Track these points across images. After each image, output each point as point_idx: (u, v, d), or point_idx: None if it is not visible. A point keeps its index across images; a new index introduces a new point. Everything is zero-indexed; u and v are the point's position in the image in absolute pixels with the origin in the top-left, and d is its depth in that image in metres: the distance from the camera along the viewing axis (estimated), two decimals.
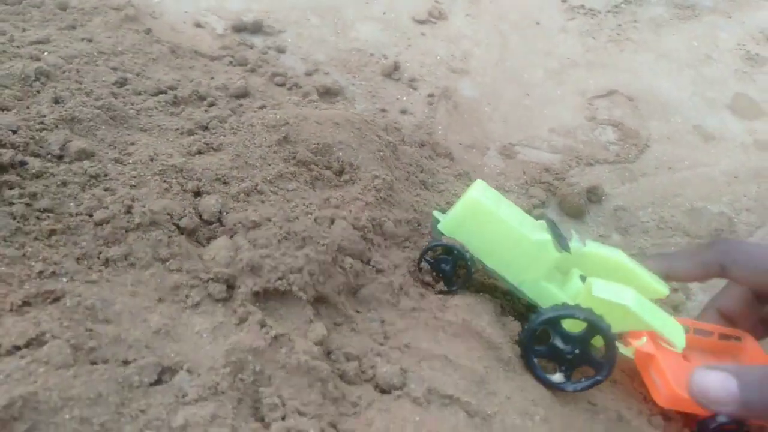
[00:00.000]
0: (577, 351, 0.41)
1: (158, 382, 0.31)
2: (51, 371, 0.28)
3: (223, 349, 0.33)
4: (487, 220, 0.44)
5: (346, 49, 0.83)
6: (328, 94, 0.75)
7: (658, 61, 0.87)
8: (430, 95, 0.78)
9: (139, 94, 0.56)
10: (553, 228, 0.45)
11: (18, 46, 0.57)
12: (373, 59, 0.82)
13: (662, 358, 0.41)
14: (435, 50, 0.85)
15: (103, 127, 0.46)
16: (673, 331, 0.42)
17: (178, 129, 0.50)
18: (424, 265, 0.47)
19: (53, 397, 0.27)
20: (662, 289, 0.44)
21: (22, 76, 0.49)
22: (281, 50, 0.81)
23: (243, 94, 0.62)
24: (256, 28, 0.83)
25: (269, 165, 0.49)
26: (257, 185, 0.46)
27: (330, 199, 0.48)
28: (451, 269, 0.46)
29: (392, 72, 0.80)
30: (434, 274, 0.47)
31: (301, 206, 0.46)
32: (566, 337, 0.41)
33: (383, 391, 0.36)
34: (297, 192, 0.48)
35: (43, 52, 0.56)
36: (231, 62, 0.76)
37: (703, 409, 0.40)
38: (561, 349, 0.41)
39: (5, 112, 0.42)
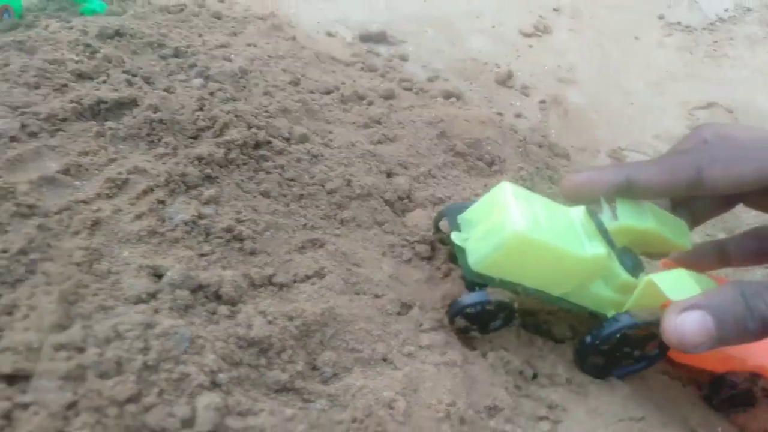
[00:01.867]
0: (636, 353, 0.39)
1: (400, 313, 0.39)
2: (335, 295, 0.36)
3: (438, 294, 0.41)
4: (535, 253, 0.37)
5: (461, 58, 0.91)
6: (449, 98, 0.83)
7: (754, 75, 0.93)
8: (542, 101, 0.85)
9: (312, 92, 0.65)
10: (599, 224, 0.39)
11: (210, 49, 0.67)
12: (486, 68, 0.90)
13: None
14: (542, 61, 0.92)
15: (305, 117, 0.55)
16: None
17: (354, 123, 0.59)
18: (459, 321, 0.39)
19: (343, 312, 0.35)
20: (685, 243, 0.41)
21: (232, 73, 0.58)
22: (404, 58, 0.90)
23: (390, 96, 0.71)
24: (381, 38, 0.92)
25: (434, 155, 0.57)
26: (430, 170, 0.54)
27: (487, 185, 0.56)
28: (493, 319, 0.39)
29: (506, 80, 0.88)
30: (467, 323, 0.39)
31: (468, 189, 0.54)
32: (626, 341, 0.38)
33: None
34: (459, 178, 0.56)
35: (231, 54, 0.66)
36: (362, 68, 0.85)
37: (720, 367, 0.40)
38: (620, 352, 0.39)
39: (236, 102, 0.52)
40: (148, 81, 0.54)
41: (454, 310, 0.38)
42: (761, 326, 0.32)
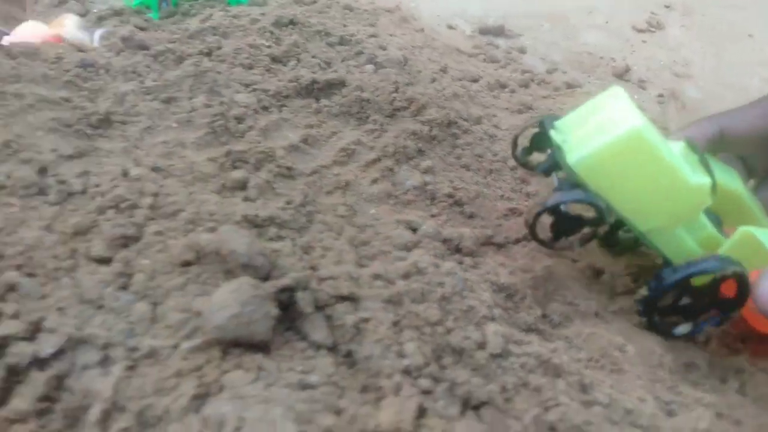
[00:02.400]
0: (707, 300, 0.36)
1: (596, 277, 0.43)
2: (544, 257, 0.41)
3: (623, 264, 0.45)
4: (645, 160, 0.34)
5: (577, 51, 0.94)
6: (570, 88, 0.87)
7: None
8: (660, 95, 0.88)
9: (460, 80, 0.70)
10: (702, 158, 0.37)
11: (361, 40, 0.72)
12: (602, 62, 0.93)
13: None
14: (657, 56, 0.95)
15: (469, 102, 0.60)
16: None
17: (508, 108, 0.64)
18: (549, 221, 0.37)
19: (556, 271, 0.40)
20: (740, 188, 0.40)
21: (397, 60, 0.64)
22: (522, 51, 0.93)
23: (526, 85, 0.75)
24: (499, 32, 0.96)
25: None
26: None
27: None
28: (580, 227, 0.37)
29: (623, 73, 0.90)
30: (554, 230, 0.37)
31: None
32: (695, 291, 0.36)
33: None
34: None
35: (386, 44, 0.71)
36: (485, 59, 0.90)
37: None
38: (689, 304, 0.37)
39: (414, 86, 0.57)
40: (329, 65, 0.60)
41: (544, 208, 0.35)
42: None
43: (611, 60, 0.93)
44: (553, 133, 0.36)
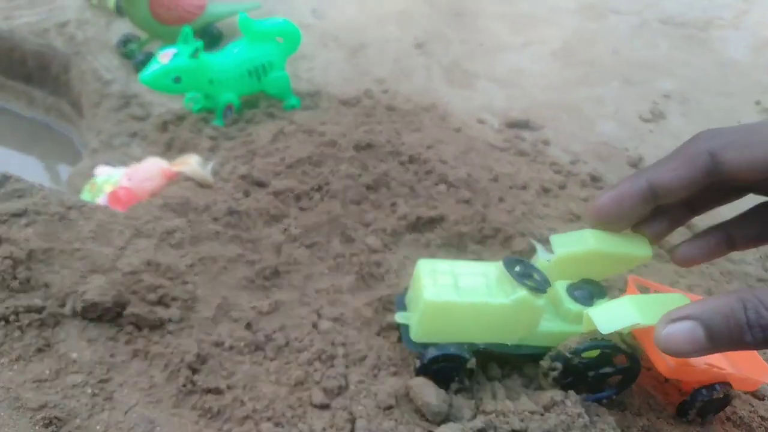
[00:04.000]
0: (604, 371, 0.42)
1: None
2: None
3: None
4: (456, 312, 0.41)
5: (595, 142, 1.07)
6: (593, 181, 0.99)
7: None
8: None
9: (511, 188, 0.81)
10: (517, 270, 0.42)
11: (426, 157, 0.83)
12: (617, 152, 1.06)
13: None
14: (664, 144, 1.08)
15: (534, 219, 0.71)
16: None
17: (560, 217, 0.75)
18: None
19: None
20: (644, 253, 0.41)
21: (463, 178, 0.75)
22: (546, 143, 1.06)
23: (563, 185, 0.87)
24: (524, 125, 1.09)
25: None
26: None
27: None
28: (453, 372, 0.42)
29: (637, 162, 1.03)
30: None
31: None
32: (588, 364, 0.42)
33: None
34: None
35: (444, 157, 0.82)
36: (515, 153, 1.02)
37: (704, 378, 0.44)
38: (586, 375, 0.42)
39: (487, 208, 0.68)
40: (412, 189, 0.71)
41: (418, 369, 0.42)
42: (762, 337, 0.31)
43: (625, 150, 1.06)
44: (397, 316, 0.44)
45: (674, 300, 0.38)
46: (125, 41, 1.13)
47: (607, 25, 1.36)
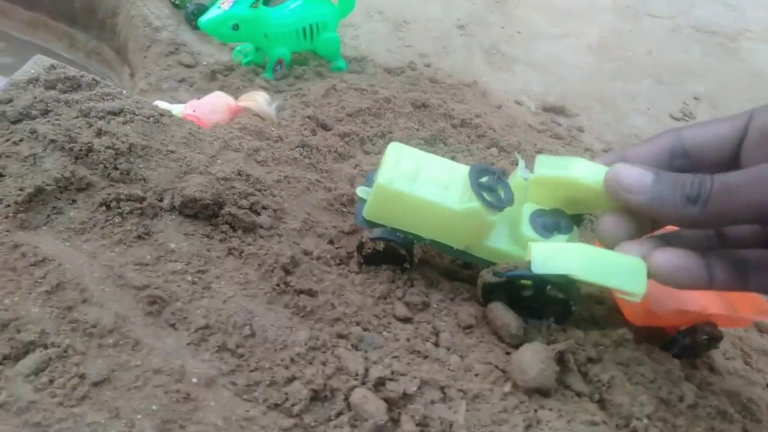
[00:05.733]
0: (535, 302, 0.42)
1: None
2: None
3: None
4: (406, 202, 0.40)
5: (627, 134, 1.09)
6: None
7: None
8: None
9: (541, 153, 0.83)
10: (482, 181, 0.40)
11: (476, 122, 0.85)
12: None
13: None
14: None
15: None
16: (631, 277, 0.36)
17: None
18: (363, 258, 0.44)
19: None
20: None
21: (515, 146, 0.76)
22: (581, 130, 1.08)
23: None
24: (560, 111, 1.11)
25: None
26: None
27: None
28: (393, 254, 0.43)
29: None
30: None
31: None
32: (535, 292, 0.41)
33: None
34: None
35: (492, 125, 0.84)
36: (551, 136, 1.03)
37: (678, 322, 0.43)
38: (522, 296, 0.41)
39: None
40: (468, 149, 0.72)
41: (358, 245, 0.43)
42: (698, 203, 0.32)
43: None
44: (358, 190, 0.45)
45: (631, 263, 0.36)
46: None
47: (642, 27, 1.39)
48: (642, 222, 0.38)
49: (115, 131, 0.44)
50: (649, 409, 0.39)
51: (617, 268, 0.36)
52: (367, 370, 0.37)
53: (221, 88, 0.94)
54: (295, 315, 0.40)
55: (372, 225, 0.43)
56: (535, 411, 0.37)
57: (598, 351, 0.42)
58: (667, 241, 0.38)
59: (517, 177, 0.42)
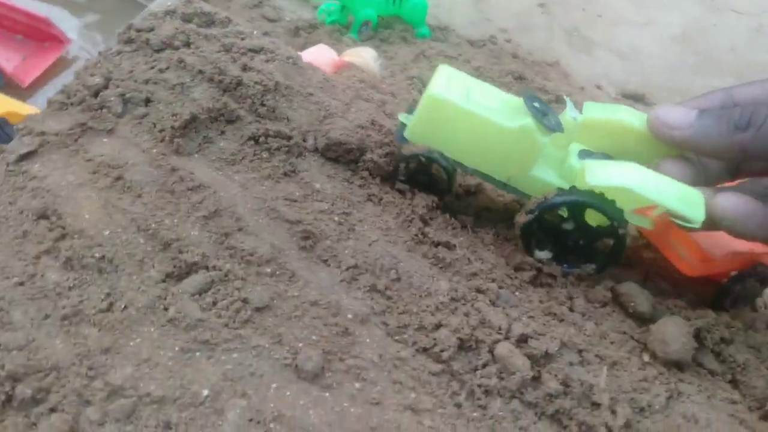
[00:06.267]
0: (581, 241, 0.40)
1: None
2: None
3: None
4: (456, 117, 0.38)
5: None
6: None
7: None
8: None
9: None
10: (535, 105, 0.38)
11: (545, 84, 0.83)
12: None
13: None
14: None
15: None
16: (690, 204, 0.36)
17: None
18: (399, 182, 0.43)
19: None
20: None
21: None
22: None
23: None
24: (640, 98, 1.09)
25: None
26: None
27: None
28: (432, 180, 0.42)
29: None
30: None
31: None
32: (575, 224, 0.39)
33: None
34: None
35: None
36: None
37: (730, 267, 0.42)
38: (565, 235, 0.40)
39: None
40: None
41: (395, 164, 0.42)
42: (750, 128, 0.32)
43: None
44: (401, 116, 0.42)
45: (690, 191, 0.36)
46: None
47: (726, 22, 1.34)
48: (699, 172, 0.38)
49: (260, 68, 0.44)
50: None
51: (676, 192, 0.36)
52: (510, 325, 0.37)
53: (305, 45, 0.94)
54: (434, 265, 0.40)
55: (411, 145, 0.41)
56: (676, 383, 0.37)
57: (731, 332, 0.41)
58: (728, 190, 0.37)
59: (567, 117, 0.40)
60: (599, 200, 0.37)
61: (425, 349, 0.35)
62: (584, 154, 0.40)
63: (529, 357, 0.36)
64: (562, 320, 0.39)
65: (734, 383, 0.39)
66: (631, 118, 0.38)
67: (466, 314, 0.37)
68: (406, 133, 0.41)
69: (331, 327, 0.34)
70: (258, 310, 0.34)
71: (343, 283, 0.36)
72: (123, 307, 0.32)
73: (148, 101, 0.42)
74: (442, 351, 0.35)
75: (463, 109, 0.38)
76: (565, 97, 0.45)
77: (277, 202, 0.39)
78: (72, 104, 0.42)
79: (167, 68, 0.44)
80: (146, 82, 0.43)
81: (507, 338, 0.37)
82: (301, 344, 0.33)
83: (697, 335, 0.40)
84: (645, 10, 1.31)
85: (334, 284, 0.36)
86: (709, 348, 0.40)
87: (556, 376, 0.36)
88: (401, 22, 1.01)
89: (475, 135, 0.39)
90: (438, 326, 0.36)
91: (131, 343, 0.31)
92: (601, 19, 1.25)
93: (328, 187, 0.41)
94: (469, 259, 0.41)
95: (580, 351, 0.38)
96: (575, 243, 0.40)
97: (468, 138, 0.39)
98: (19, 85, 1.02)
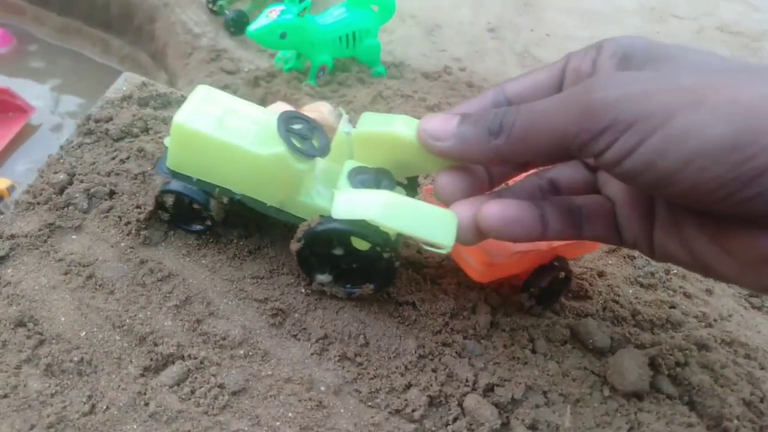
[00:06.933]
0: (354, 265, 0.39)
1: None
2: None
3: None
4: (205, 144, 0.36)
5: None
6: None
7: None
8: None
9: None
10: (294, 127, 0.37)
11: None
12: None
13: None
14: None
15: None
16: (439, 228, 0.35)
17: None
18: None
19: None
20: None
21: None
22: None
23: None
24: None
25: None
26: None
27: None
28: (196, 212, 0.41)
29: None
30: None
31: None
32: (345, 250, 0.39)
33: None
34: None
35: None
36: None
37: (523, 267, 0.42)
38: (338, 259, 0.39)
39: None
40: None
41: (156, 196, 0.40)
42: (502, 134, 0.31)
43: None
44: (166, 140, 0.40)
45: (441, 214, 0.35)
46: None
47: (668, 28, 1.40)
48: (479, 178, 0.37)
49: None
50: (737, 410, 0.41)
51: (425, 218, 0.35)
52: (476, 376, 0.39)
53: (265, 95, 0.96)
54: (401, 324, 0.42)
55: (177, 176, 0.39)
56: (635, 414, 0.40)
57: (685, 355, 0.44)
58: (499, 194, 0.37)
59: (340, 132, 0.39)
60: (359, 227, 0.36)
61: (397, 411, 0.37)
62: (356, 173, 0.38)
63: (497, 405, 0.38)
64: (525, 363, 0.42)
65: (691, 405, 0.42)
66: (405, 129, 0.36)
67: (434, 370, 0.39)
68: (168, 162, 0.39)
69: (305, 402, 0.36)
70: (234, 393, 0.35)
71: (314, 356, 0.38)
72: (105, 408, 0.34)
73: (112, 194, 0.44)
74: (413, 411, 0.37)
75: (211, 137, 0.36)
76: (340, 109, 0.43)
77: (244, 282, 0.41)
78: (38, 203, 0.44)
79: (128, 158, 0.46)
80: (108, 174, 0.45)
81: (474, 389, 0.39)
82: (278, 423, 0.35)
83: (652, 363, 0.42)
84: (590, 25, 1.36)
85: (305, 358, 0.38)
86: (665, 374, 0.42)
87: (523, 420, 0.38)
88: (357, 63, 1.04)
89: (230, 163, 0.37)
90: (408, 386, 0.38)
91: None
92: (549, 38, 1.30)
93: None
94: (431, 314, 0.43)
95: (544, 392, 0.40)
96: (349, 266, 0.40)
97: (225, 165, 0.38)
98: None
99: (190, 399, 0.35)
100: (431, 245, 0.35)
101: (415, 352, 0.40)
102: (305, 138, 0.37)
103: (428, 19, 1.27)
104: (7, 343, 0.36)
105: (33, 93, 1.19)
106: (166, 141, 0.39)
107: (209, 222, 0.41)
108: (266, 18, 0.91)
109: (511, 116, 0.31)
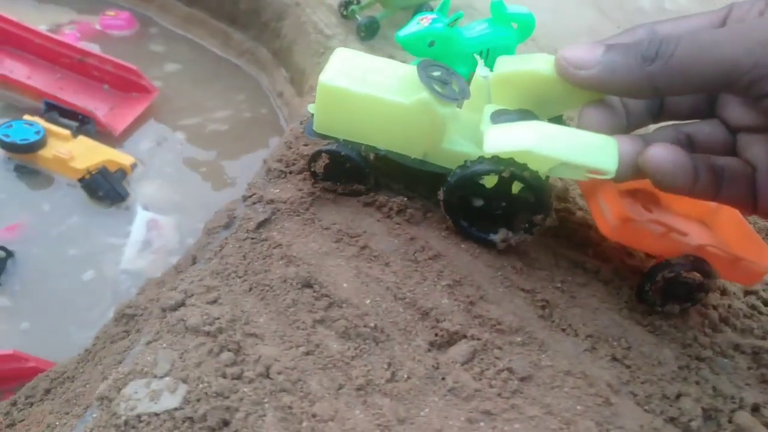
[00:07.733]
0: (503, 204, 0.38)
1: None
2: None
3: None
4: (351, 101, 0.37)
5: None
6: None
7: None
8: None
9: None
10: (434, 74, 0.37)
11: None
12: None
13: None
14: None
15: None
16: (600, 153, 0.33)
17: None
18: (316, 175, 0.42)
19: None
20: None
21: None
22: None
23: None
24: None
25: None
26: None
27: None
28: (349, 171, 0.41)
29: None
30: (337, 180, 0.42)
31: None
32: (486, 195, 0.38)
33: None
34: None
35: None
36: None
37: (659, 250, 0.39)
38: (487, 209, 0.39)
39: None
40: None
41: (310, 157, 0.41)
42: (658, 60, 0.30)
43: None
44: (310, 107, 0.41)
45: (600, 140, 0.33)
46: (347, 2, 1.18)
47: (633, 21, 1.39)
48: (621, 115, 0.36)
49: None
50: None
51: (585, 144, 0.33)
52: (740, 392, 0.38)
53: None
54: (651, 333, 0.41)
55: (323, 138, 0.40)
56: None
57: None
58: (644, 139, 0.35)
59: (477, 77, 0.39)
60: (512, 164, 0.35)
61: (672, 419, 0.36)
62: (498, 115, 0.37)
63: (766, 426, 0.37)
64: None
65: None
66: (543, 65, 0.35)
67: (697, 382, 0.38)
68: (314, 126, 0.40)
69: (592, 397, 0.35)
70: (522, 379, 0.35)
71: (586, 353, 0.38)
72: (406, 377, 0.33)
73: None
74: (690, 421, 0.36)
75: (356, 93, 0.37)
76: (475, 54, 0.42)
77: (506, 271, 0.41)
78: (290, 173, 0.44)
79: None
80: None
81: (741, 407, 0.38)
82: (569, 414, 0.34)
83: None
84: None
85: (578, 353, 0.37)
86: None
87: None
88: None
89: (375, 117, 0.38)
90: (679, 396, 0.37)
91: (422, 413, 0.32)
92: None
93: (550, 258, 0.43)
94: (679, 327, 0.42)
95: None
96: (503, 212, 0.39)
97: (370, 121, 0.38)
98: (110, 133, 1.05)
99: (481, 379, 0.34)
100: (594, 171, 0.33)
101: (675, 363, 0.39)
102: (445, 83, 0.37)
103: (548, 45, 1.27)
104: (297, 302, 0.36)
105: (151, 75, 1.21)
106: (310, 107, 0.40)
107: (367, 182, 0.41)
108: (417, 25, 0.91)
109: (671, 44, 0.30)
